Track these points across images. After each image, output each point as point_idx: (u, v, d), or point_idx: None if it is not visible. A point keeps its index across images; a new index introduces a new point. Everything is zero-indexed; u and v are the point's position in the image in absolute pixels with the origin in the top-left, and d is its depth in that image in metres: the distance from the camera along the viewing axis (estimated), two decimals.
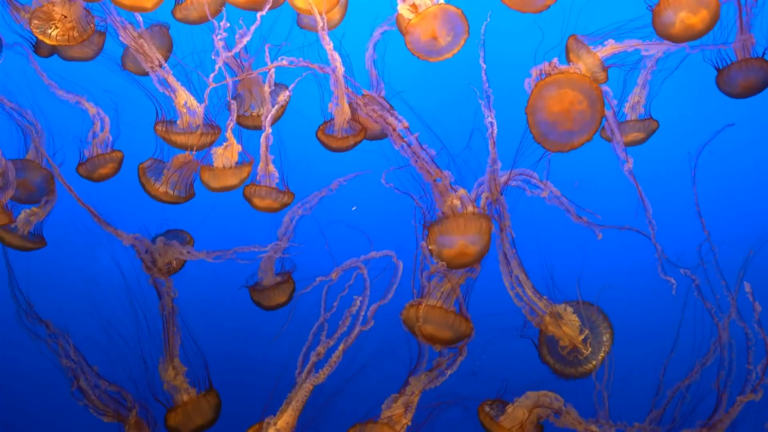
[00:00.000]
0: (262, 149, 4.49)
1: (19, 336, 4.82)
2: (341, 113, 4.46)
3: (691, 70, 4.28)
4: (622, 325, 4.42)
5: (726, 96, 4.30)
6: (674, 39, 3.92)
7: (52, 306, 5.07)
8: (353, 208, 4.56)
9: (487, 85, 3.95)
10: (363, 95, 4.39)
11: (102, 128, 4.68)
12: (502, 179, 4.09)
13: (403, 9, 4.08)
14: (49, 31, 4.24)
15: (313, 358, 4.35)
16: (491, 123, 3.97)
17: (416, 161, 4.11)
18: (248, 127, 4.71)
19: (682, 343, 4.68)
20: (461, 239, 3.99)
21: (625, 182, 4.49)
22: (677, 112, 4.56)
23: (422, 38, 4.03)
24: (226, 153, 4.48)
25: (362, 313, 4.29)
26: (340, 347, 4.28)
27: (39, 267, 5.30)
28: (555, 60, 3.62)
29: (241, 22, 4.29)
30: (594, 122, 3.36)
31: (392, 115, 4.21)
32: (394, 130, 4.13)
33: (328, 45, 4.19)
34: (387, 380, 4.39)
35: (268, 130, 4.45)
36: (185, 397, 4.61)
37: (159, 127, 4.49)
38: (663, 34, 3.91)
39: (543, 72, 3.58)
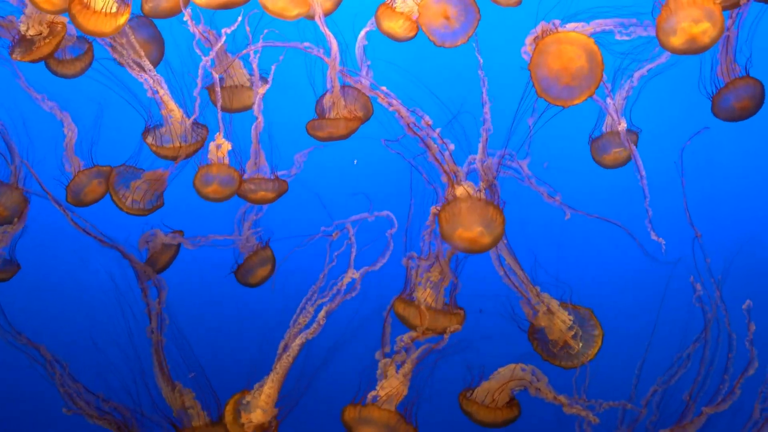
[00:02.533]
0: (254, 137, 4.57)
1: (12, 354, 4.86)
2: (335, 103, 4.54)
3: (670, 74, 4.38)
4: (605, 317, 4.52)
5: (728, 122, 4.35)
6: (676, 50, 3.89)
7: (38, 322, 5.14)
8: (354, 162, 4.64)
9: (482, 65, 4.10)
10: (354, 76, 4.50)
11: (77, 153, 4.67)
12: (495, 162, 4.20)
13: None
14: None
15: (300, 322, 4.40)
16: (487, 110, 4.11)
17: (432, 155, 4.19)
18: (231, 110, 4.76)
19: (663, 340, 4.75)
20: (480, 227, 4.04)
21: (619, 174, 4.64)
22: (657, 116, 4.67)
23: (435, 22, 4.15)
24: (218, 153, 4.54)
25: (345, 282, 4.36)
26: (323, 311, 4.32)
27: (24, 284, 5.34)
28: (554, 21, 3.71)
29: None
30: (593, 78, 3.51)
31: (409, 109, 4.26)
32: (408, 125, 4.19)
33: (326, 31, 4.28)
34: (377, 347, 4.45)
35: (260, 118, 4.53)
36: (196, 424, 4.68)
37: (149, 141, 4.55)
38: (664, 43, 3.87)
39: (539, 35, 3.70)
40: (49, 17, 4.27)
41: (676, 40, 3.80)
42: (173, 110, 4.47)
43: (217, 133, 4.48)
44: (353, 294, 4.37)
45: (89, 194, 4.64)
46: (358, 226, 4.46)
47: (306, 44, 4.39)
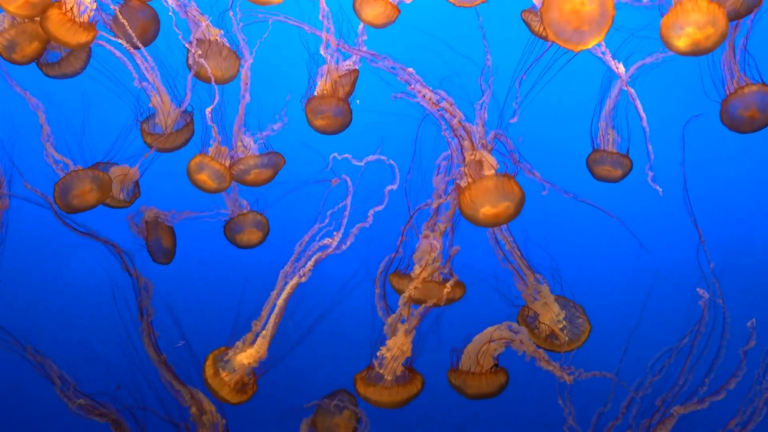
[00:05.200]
0: (240, 114, 4.58)
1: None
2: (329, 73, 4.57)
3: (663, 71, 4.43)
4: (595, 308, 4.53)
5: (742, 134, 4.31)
6: (680, 52, 3.94)
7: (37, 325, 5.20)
8: (357, 102, 4.65)
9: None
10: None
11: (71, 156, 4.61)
12: (489, 139, 4.24)
13: None
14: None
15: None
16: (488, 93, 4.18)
17: (456, 131, 4.20)
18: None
19: (651, 338, 4.72)
20: (508, 202, 4.04)
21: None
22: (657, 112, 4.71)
23: None
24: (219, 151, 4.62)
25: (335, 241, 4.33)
26: (311, 263, 4.28)
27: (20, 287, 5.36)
28: None
29: None
30: (604, 23, 3.57)
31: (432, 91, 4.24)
32: (433, 104, 4.18)
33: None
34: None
35: (247, 98, 4.55)
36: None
37: (147, 137, 4.62)
38: (668, 44, 3.93)
39: None
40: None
41: (680, 43, 3.87)
42: (165, 101, 4.52)
43: (207, 113, 4.50)
44: (343, 248, 4.33)
45: (80, 198, 4.58)
46: (359, 178, 4.44)
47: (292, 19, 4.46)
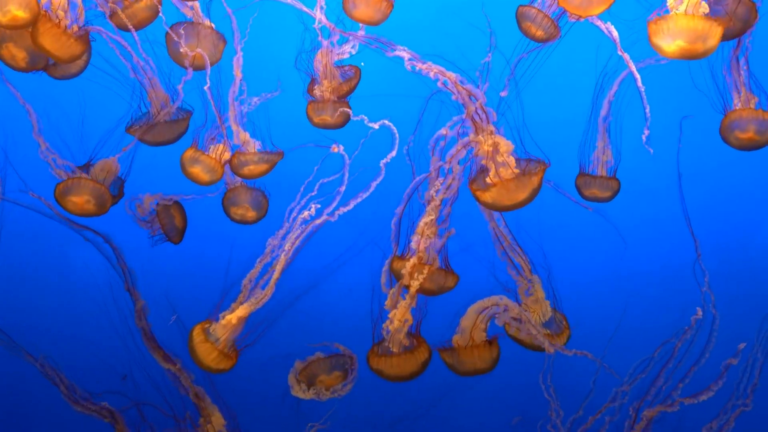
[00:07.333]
0: (231, 110, 4.60)
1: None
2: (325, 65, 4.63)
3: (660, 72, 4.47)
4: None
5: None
6: (670, 57, 4.01)
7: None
8: (361, 64, 4.69)
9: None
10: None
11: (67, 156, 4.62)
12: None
13: None
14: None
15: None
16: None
17: (473, 122, 4.25)
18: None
19: (633, 343, 4.75)
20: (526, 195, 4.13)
21: None
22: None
23: None
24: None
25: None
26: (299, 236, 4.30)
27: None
28: None
29: None
30: None
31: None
32: (459, 87, 4.18)
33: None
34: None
35: (236, 88, 4.57)
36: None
37: (135, 131, 4.62)
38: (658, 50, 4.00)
39: None
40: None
41: (669, 49, 3.96)
42: (159, 93, 4.55)
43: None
44: (334, 219, 4.34)
45: (75, 205, 4.60)
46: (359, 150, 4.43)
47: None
